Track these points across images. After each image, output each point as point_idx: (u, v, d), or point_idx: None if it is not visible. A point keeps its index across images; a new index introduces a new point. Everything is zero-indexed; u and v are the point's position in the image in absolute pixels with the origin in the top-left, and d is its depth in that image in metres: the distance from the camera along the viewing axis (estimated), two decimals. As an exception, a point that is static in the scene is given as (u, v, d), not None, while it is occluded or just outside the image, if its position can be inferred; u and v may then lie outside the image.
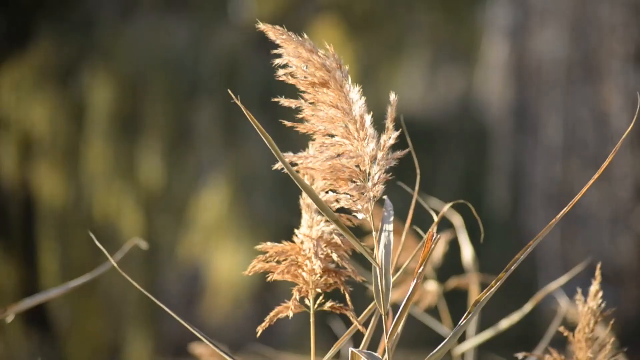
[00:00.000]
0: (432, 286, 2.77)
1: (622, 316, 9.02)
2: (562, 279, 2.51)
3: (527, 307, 2.57)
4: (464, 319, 1.62)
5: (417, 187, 1.76)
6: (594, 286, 1.87)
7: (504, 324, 2.51)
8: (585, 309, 1.85)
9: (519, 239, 9.66)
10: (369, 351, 1.60)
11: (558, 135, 9.57)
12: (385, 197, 1.72)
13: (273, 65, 1.66)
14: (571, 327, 1.89)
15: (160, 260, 9.47)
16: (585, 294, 1.92)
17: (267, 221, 9.45)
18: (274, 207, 9.46)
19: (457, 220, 2.74)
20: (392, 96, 1.73)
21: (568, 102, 9.51)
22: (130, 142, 9.35)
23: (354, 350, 1.60)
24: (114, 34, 9.51)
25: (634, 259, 9.40)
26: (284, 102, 1.67)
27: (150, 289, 9.24)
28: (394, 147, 1.70)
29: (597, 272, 1.92)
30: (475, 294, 2.75)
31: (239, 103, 1.60)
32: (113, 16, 9.60)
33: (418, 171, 1.72)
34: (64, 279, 8.98)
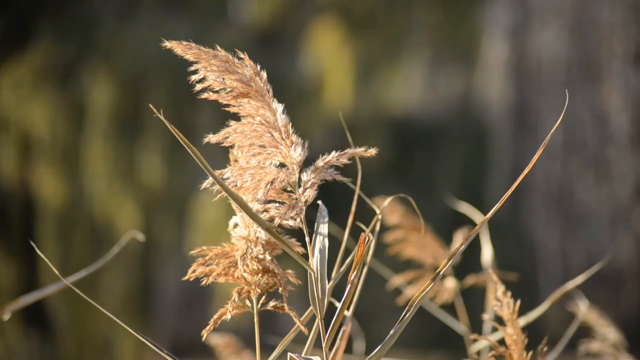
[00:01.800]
0: (450, 283, 2.77)
1: (622, 316, 9.02)
2: (580, 279, 2.51)
3: (545, 306, 2.56)
4: (399, 322, 1.61)
5: (358, 183, 1.75)
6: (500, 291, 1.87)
7: (521, 322, 2.51)
8: (508, 311, 1.85)
9: (519, 238, 9.67)
10: (307, 356, 1.60)
11: (558, 135, 9.57)
12: (319, 202, 1.72)
13: (190, 81, 1.63)
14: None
15: (161, 259, 9.48)
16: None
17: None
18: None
19: (478, 218, 2.74)
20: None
21: (568, 102, 9.51)
22: (131, 142, 9.35)
23: (292, 355, 1.61)
24: (114, 34, 9.51)
25: (634, 259, 9.40)
26: (213, 138, 1.67)
27: (150, 288, 9.24)
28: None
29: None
30: (493, 292, 2.75)
31: (175, 131, 1.59)
32: (113, 16, 9.60)
33: (359, 167, 1.72)
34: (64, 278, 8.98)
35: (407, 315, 1.58)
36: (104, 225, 9.26)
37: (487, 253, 2.80)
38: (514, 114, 9.82)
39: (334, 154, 1.64)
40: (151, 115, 9.36)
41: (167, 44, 1.57)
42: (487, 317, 1.95)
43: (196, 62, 1.60)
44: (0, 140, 9.28)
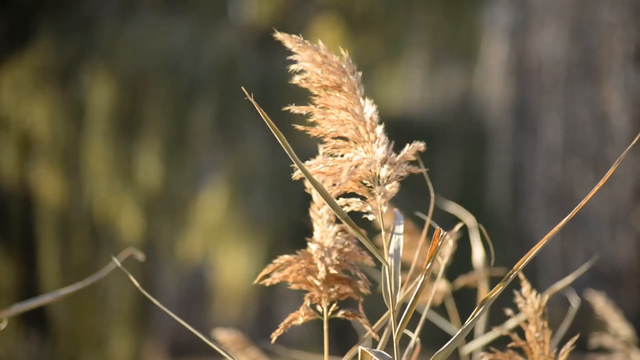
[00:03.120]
0: (441, 285, 2.77)
1: (622, 316, 9.00)
2: (568, 279, 2.51)
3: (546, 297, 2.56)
4: (472, 318, 1.64)
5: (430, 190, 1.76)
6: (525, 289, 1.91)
7: (512, 323, 2.51)
8: (532, 310, 1.88)
9: (519, 238, 9.66)
10: (378, 350, 1.62)
11: (558, 135, 9.57)
12: (396, 210, 1.76)
13: (289, 70, 1.69)
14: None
15: (159, 260, 9.47)
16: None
17: (266, 221, 9.45)
18: (272, 207, 9.46)
19: (469, 220, 2.75)
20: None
21: (568, 102, 9.51)
22: (130, 142, 9.35)
23: (363, 349, 1.63)
24: (114, 34, 9.51)
25: (634, 259, 9.40)
26: (295, 109, 1.70)
27: (149, 288, 9.24)
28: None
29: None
30: (484, 293, 2.75)
31: (261, 112, 1.61)
32: (113, 16, 9.60)
33: (426, 174, 1.73)
34: (64, 279, 8.99)
35: (478, 313, 1.62)
36: (103, 225, 9.26)
37: (477, 253, 2.80)
38: (514, 114, 9.82)
39: (407, 148, 1.69)
40: (150, 115, 9.36)
41: (278, 35, 1.64)
42: (509, 312, 1.96)
43: (296, 54, 1.67)
44: (0, 140, 9.27)
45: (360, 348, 1.64)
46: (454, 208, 2.78)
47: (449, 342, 1.63)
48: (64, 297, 2.03)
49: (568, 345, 1.86)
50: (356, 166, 1.63)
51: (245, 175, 9.55)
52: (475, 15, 10.21)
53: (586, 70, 9.53)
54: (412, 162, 1.69)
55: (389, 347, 1.76)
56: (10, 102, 9.31)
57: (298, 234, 9.38)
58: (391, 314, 1.65)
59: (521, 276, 1.92)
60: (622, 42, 9.42)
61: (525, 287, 1.89)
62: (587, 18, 9.50)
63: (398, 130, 9.73)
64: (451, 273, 2.81)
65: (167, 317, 9.19)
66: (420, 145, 1.69)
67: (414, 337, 1.81)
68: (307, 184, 1.74)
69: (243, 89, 1.69)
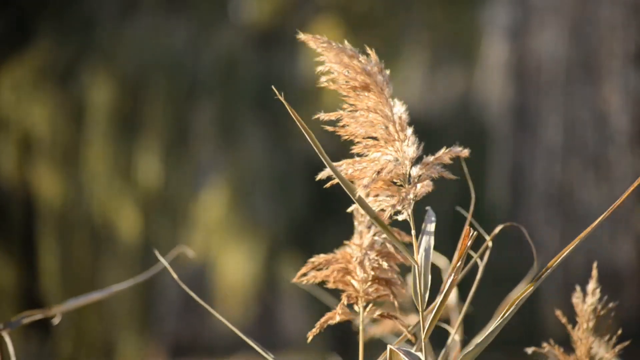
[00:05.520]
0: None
1: (622, 316, 9.01)
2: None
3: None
4: (501, 318, 1.64)
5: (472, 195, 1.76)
6: (592, 284, 1.90)
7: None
8: (584, 307, 1.88)
9: (519, 238, 9.66)
10: (406, 349, 1.62)
11: (558, 135, 9.57)
12: (428, 208, 1.76)
13: (316, 72, 1.68)
14: (572, 324, 1.91)
15: (159, 260, 9.46)
16: (584, 292, 1.94)
17: (266, 221, 9.45)
18: (273, 207, 9.46)
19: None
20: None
21: (568, 102, 9.51)
22: (130, 142, 9.35)
23: (392, 347, 1.63)
24: (114, 34, 9.51)
25: (634, 259, 9.40)
26: (324, 116, 1.70)
27: (149, 289, 9.24)
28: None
29: (594, 271, 1.94)
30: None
31: (288, 107, 1.60)
32: (113, 16, 9.60)
33: (470, 184, 1.72)
34: (64, 279, 8.99)
35: (508, 314, 1.63)
36: (103, 225, 9.26)
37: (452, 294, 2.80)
38: (513, 114, 9.82)
39: (443, 150, 1.70)
40: (150, 115, 9.36)
41: (301, 36, 1.64)
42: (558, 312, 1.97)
43: (322, 55, 1.66)
44: (0, 140, 9.28)
45: (389, 347, 1.63)
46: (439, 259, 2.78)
47: (480, 340, 1.63)
48: (65, 288, 2.03)
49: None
50: (382, 168, 1.63)
51: (245, 176, 9.55)
52: (475, 15, 10.21)
53: (586, 70, 9.53)
54: (445, 166, 1.69)
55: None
56: (10, 102, 9.31)
57: (299, 234, 9.38)
58: (420, 313, 1.65)
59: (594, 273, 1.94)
60: (622, 42, 9.42)
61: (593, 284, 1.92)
62: (587, 18, 9.50)
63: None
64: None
65: (168, 317, 9.19)
66: (464, 151, 1.69)
67: (453, 333, 1.82)
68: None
69: (274, 88, 1.68)
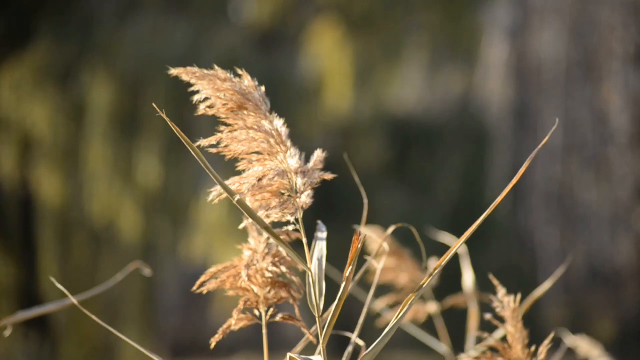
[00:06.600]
0: (430, 306, 2.78)
1: (622, 316, 9.02)
2: (545, 285, 2.53)
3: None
4: (394, 320, 1.65)
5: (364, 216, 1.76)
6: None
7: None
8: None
9: (518, 238, 9.67)
10: (306, 356, 1.64)
11: (558, 135, 9.57)
12: (319, 221, 1.79)
13: (193, 102, 1.71)
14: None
15: (159, 260, 9.48)
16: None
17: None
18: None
19: (462, 250, 2.75)
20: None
21: (568, 102, 9.51)
22: (130, 142, 9.36)
23: (292, 355, 1.65)
24: (114, 33, 9.51)
25: (634, 259, 9.40)
26: (204, 141, 1.74)
27: (149, 289, 9.24)
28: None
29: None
30: (474, 314, 2.76)
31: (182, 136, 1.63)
32: (113, 16, 9.60)
33: (365, 201, 1.72)
34: (64, 279, 8.99)
35: (402, 314, 1.63)
36: (103, 225, 9.26)
37: (467, 278, 2.81)
38: (513, 114, 9.82)
39: (316, 156, 1.73)
40: (150, 116, 9.36)
41: (173, 71, 1.67)
42: (488, 316, 1.99)
43: (196, 84, 1.69)
44: (0, 140, 9.28)
45: (289, 355, 1.65)
46: (446, 237, 2.78)
47: (376, 342, 1.65)
48: (65, 294, 2.04)
49: (545, 343, 1.88)
50: (261, 177, 1.67)
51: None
52: (475, 15, 10.21)
53: (586, 70, 9.53)
54: (322, 169, 1.72)
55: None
56: (10, 102, 9.31)
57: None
58: (317, 319, 1.67)
59: (495, 282, 1.97)
60: (622, 42, 9.43)
61: (501, 291, 1.92)
62: (587, 18, 9.50)
63: (398, 131, 9.73)
64: (441, 293, 2.83)
65: (169, 317, 9.19)
66: (327, 174, 1.72)
67: (353, 338, 1.83)
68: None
69: (154, 105, 1.70)
